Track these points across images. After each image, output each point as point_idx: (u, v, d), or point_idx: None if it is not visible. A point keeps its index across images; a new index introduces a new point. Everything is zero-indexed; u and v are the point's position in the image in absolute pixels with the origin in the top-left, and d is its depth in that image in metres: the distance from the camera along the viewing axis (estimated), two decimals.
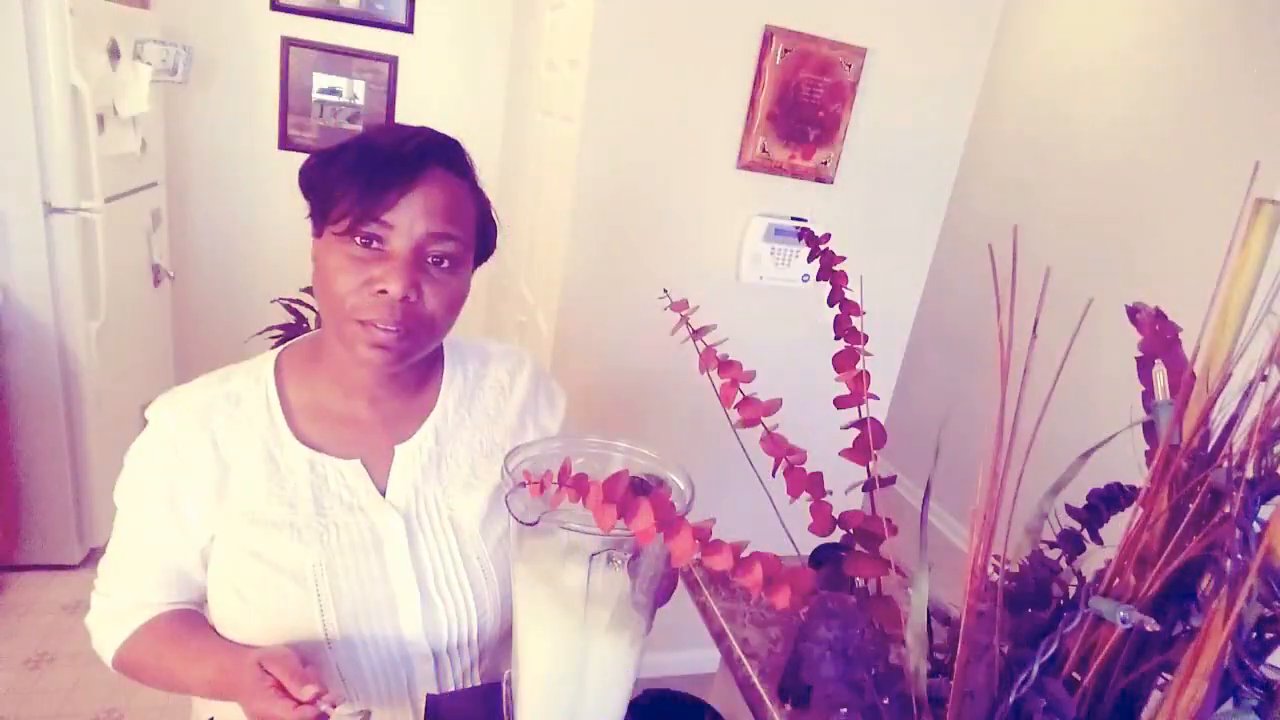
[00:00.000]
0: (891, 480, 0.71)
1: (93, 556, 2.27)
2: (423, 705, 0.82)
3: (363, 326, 0.75)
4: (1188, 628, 0.55)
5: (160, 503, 0.79)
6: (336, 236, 0.74)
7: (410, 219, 0.73)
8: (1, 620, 2.01)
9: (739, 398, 0.72)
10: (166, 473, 0.79)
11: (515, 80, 2.81)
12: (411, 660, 0.81)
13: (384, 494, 0.83)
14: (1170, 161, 2.36)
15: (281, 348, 0.87)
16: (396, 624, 0.80)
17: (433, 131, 0.79)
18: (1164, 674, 0.56)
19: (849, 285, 0.76)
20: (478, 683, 0.87)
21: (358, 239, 0.74)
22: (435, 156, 0.76)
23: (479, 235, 0.82)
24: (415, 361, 0.83)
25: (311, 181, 0.78)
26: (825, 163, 1.76)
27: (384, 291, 0.73)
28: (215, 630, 0.83)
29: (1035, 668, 0.50)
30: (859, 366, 0.73)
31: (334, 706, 0.66)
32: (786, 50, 1.63)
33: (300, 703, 0.66)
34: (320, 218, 0.77)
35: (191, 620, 0.85)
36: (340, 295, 0.74)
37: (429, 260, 0.76)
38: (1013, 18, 2.94)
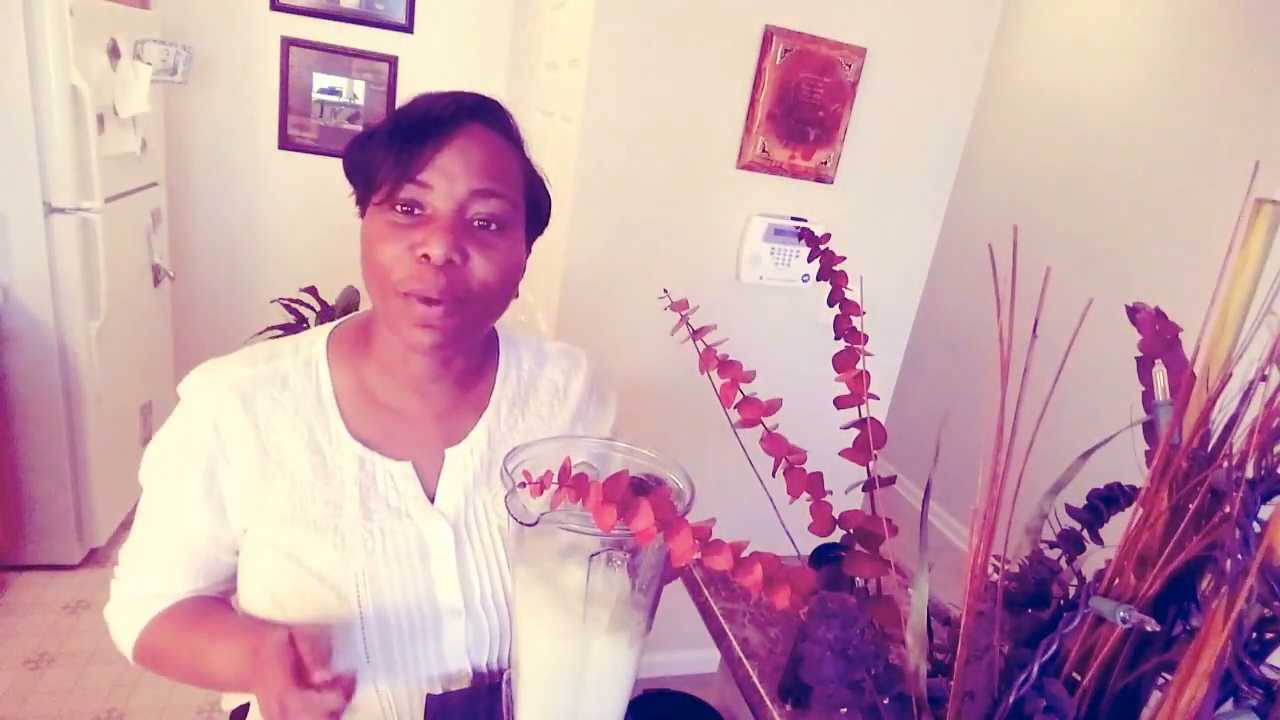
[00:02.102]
0: (891, 480, 0.71)
1: (93, 556, 2.27)
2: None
3: (407, 301, 0.70)
4: (1188, 628, 0.55)
5: (195, 486, 0.74)
6: (377, 207, 0.71)
7: (449, 177, 0.69)
8: (1, 620, 2.01)
9: (739, 398, 0.72)
10: (205, 454, 0.74)
11: (515, 80, 2.81)
12: (451, 677, 0.78)
13: (432, 499, 0.79)
14: (1170, 161, 2.36)
15: (331, 326, 0.83)
16: (440, 641, 0.77)
17: (470, 92, 0.75)
18: (1164, 674, 0.56)
19: (849, 285, 0.76)
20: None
21: (398, 206, 0.70)
22: (471, 113, 0.73)
23: (529, 201, 0.77)
24: (468, 347, 0.79)
25: (353, 163, 0.75)
26: (825, 163, 1.75)
27: (427, 257, 0.68)
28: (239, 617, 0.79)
29: (1035, 668, 0.50)
30: (859, 366, 0.73)
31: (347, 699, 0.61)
32: (786, 50, 1.63)
33: (311, 686, 0.60)
34: (365, 195, 0.74)
35: (216, 603, 0.81)
36: (384, 266, 0.70)
37: (474, 223, 0.71)
38: (1013, 18, 2.94)
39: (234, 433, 0.74)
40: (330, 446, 0.76)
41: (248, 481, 0.74)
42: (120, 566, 0.82)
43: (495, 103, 0.76)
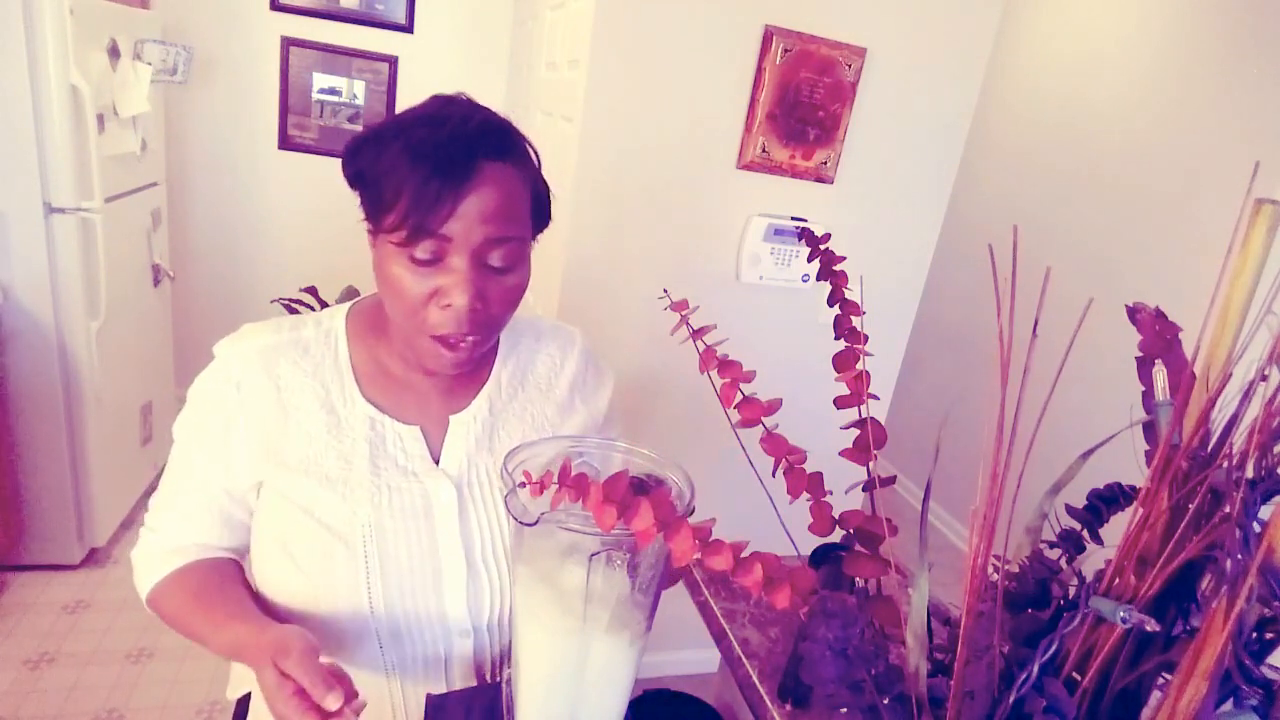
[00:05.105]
0: (891, 480, 0.71)
1: (93, 556, 2.27)
2: (458, 683, 0.83)
3: (436, 341, 0.75)
4: (1188, 628, 0.55)
5: (214, 439, 0.80)
6: (395, 248, 0.72)
7: (466, 228, 0.71)
8: (1, 620, 2.01)
9: (739, 398, 0.72)
10: (225, 410, 0.79)
11: (515, 80, 2.80)
12: (452, 635, 0.81)
13: (437, 462, 0.84)
14: (1170, 161, 2.36)
15: (351, 303, 0.88)
16: (440, 595, 0.80)
17: (481, 120, 0.74)
18: (1164, 674, 0.56)
19: (849, 285, 0.76)
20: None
21: (415, 253, 0.72)
22: (485, 151, 0.72)
23: (535, 215, 0.80)
24: None
25: (358, 174, 0.75)
26: (825, 163, 1.75)
27: (450, 305, 0.73)
28: (247, 590, 0.81)
29: (1035, 668, 0.50)
30: (859, 366, 0.73)
31: (358, 714, 0.61)
32: (786, 50, 1.63)
33: (326, 713, 0.60)
34: (373, 215, 0.74)
35: (225, 576, 0.82)
36: (410, 306, 0.74)
37: (490, 265, 0.74)
38: (1013, 18, 2.94)
39: (255, 390, 0.79)
40: (345, 408, 0.82)
41: (265, 435, 0.79)
42: (149, 514, 0.86)
43: (506, 130, 0.76)
